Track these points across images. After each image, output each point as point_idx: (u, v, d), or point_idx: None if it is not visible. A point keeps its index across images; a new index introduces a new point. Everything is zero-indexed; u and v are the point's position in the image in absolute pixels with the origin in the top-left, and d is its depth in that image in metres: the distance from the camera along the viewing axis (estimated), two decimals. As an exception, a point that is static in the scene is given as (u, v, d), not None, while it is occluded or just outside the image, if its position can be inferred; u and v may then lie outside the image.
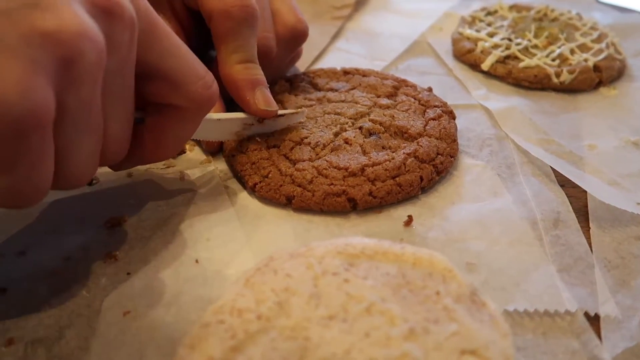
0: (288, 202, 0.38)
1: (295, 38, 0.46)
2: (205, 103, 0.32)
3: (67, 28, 0.23)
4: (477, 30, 0.60)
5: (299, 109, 0.43)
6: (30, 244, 0.35)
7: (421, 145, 0.41)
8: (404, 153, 0.40)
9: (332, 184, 0.38)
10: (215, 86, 0.32)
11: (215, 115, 0.38)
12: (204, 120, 0.34)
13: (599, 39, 0.58)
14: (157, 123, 0.32)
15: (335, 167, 0.38)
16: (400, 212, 0.38)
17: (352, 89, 0.48)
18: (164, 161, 0.42)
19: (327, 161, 0.39)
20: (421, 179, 0.39)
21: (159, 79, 0.30)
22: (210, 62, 0.39)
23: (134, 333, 0.29)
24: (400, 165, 0.39)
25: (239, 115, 0.39)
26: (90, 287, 0.32)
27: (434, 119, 0.44)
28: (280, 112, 0.41)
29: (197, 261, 0.34)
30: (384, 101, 0.46)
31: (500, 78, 0.54)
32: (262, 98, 0.39)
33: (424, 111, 0.45)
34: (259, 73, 0.40)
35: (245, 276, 0.28)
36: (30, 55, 0.22)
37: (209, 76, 0.32)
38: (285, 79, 0.49)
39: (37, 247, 0.34)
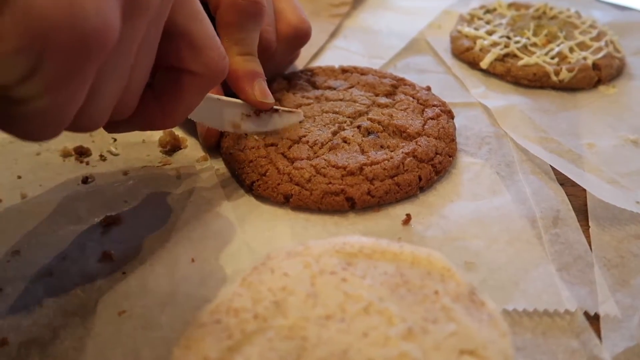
0: (286, 201, 0.38)
1: (297, 38, 0.46)
2: (219, 72, 0.32)
3: None
4: (476, 28, 0.59)
5: (296, 109, 0.43)
6: (25, 243, 0.34)
7: (420, 145, 0.40)
8: (402, 152, 0.40)
9: (330, 182, 0.37)
10: (227, 60, 0.33)
11: (215, 95, 0.38)
12: (205, 99, 0.35)
13: (598, 37, 0.58)
14: (166, 88, 0.32)
15: (333, 166, 0.38)
16: (399, 211, 0.38)
17: (350, 87, 0.47)
18: (160, 159, 0.42)
19: (325, 160, 0.39)
20: (420, 178, 0.39)
21: (181, 40, 0.30)
22: None
23: (129, 333, 0.29)
24: (399, 164, 0.39)
25: (238, 101, 0.40)
26: (86, 287, 0.32)
27: (432, 119, 0.44)
28: (277, 107, 0.41)
29: (193, 260, 0.34)
30: (383, 100, 0.45)
31: (499, 76, 0.54)
32: (260, 90, 0.39)
33: (423, 110, 0.45)
34: (258, 66, 0.40)
35: (241, 275, 0.28)
36: None
37: (223, 49, 0.33)
38: (283, 77, 0.49)
39: (32, 246, 0.34)
